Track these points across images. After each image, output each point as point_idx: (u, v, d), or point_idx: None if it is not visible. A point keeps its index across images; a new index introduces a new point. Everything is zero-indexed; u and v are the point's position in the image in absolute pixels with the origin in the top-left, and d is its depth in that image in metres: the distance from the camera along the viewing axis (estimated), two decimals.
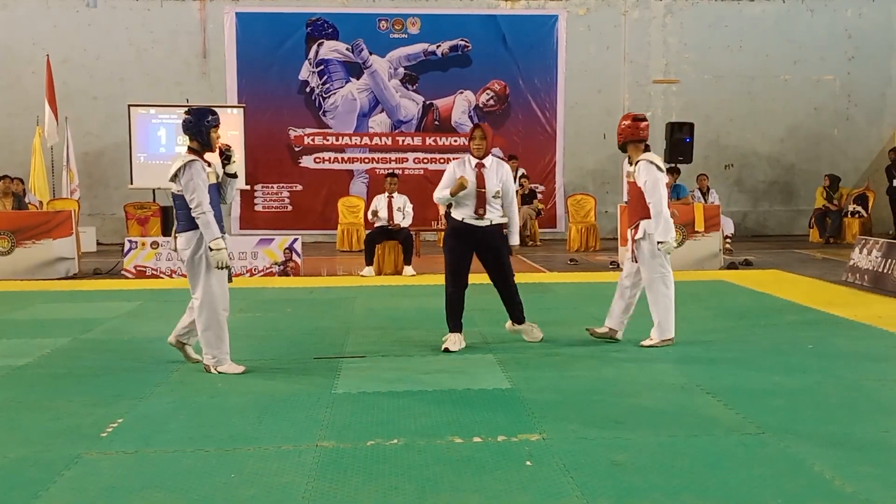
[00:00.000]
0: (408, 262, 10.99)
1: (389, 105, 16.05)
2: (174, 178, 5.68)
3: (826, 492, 3.65)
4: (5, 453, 4.20)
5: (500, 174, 6.39)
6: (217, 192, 5.85)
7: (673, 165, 13.50)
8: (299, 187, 15.98)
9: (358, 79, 15.97)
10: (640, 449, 4.17)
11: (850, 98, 16.76)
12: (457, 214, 6.40)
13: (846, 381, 5.48)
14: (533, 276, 10.91)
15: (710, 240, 11.47)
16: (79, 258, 11.60)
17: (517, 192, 14.82)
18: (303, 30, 15.83)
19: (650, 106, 16.40)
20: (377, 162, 16.08)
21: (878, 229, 15.25)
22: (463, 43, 15.99)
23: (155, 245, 10.91)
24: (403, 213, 11.13)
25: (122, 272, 10.98)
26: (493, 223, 6.37)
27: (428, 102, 16.08)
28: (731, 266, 11.48)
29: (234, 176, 5.98)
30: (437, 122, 16.04)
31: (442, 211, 6.58)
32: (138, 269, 10.89)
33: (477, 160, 6.38)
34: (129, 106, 14.52)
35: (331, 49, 15.88)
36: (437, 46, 15.96)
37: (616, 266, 11.04)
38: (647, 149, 6.61)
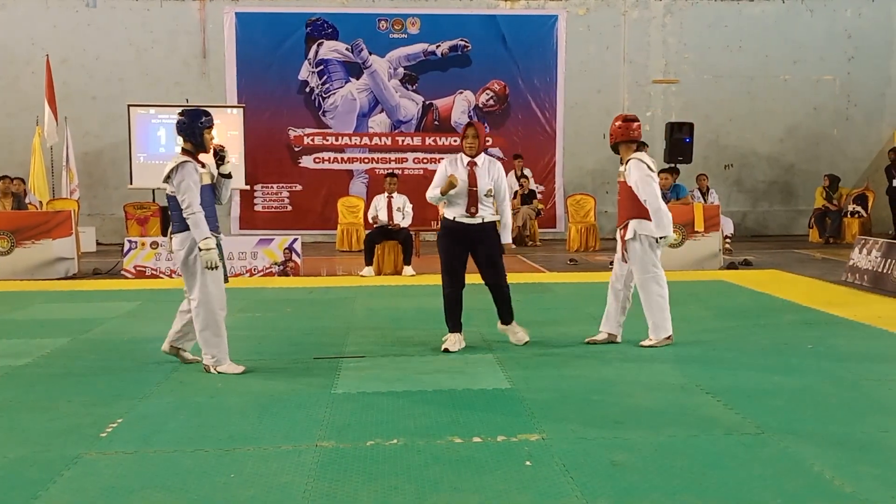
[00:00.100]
0: (407, 262, 10.99)
1: (389, 105, 16.05)
2: (167, 179, 5.70)
3: (826, 492, 3.65)
4: (5, 453, 4.20)
5: (492, 172, 6.37)
6: (212, 193, 5.85)
7: (672, 165, 13.51)
8: (299, 187, 15.98)
9: (357, 79, 15.97)
10: (639, 449, 4.17)
11: (849, 98, 16.77)
12: (449, 213, 6.40)
13: (846, 381, 5.49)
14: (533, 276, 10.91)
15: (709, 240, 11.47)
16: (78, 258, 11.61)
17: (517, 192, 14.92)
18: (302, 30, 15.83)
19: (650, 106, 16.41)
20: (377, 162, 16.08)
21: (878, 229, 15.25)
22: (462, 43, 15.99)
23: (154, 245, 10.91)
24: (403, 213, 11.13)
25: (122, 272, 10.98)
26: (486, 221, 6.34)
27: (428, 102, 16.09)
28: (731, 266, 11.48)
29: (229, 176, 5.97)
30: (436, 122, 16.04)
31: (441, 211, 6.58)
32: (138, 269, 10.89)
33: (469, 158, 6.37)
34: (129, 106, 14.53)
35: (330, 49, 15.88)
36: (437, 46, 15.96)
37: None
38: (639, 148, 6.61)
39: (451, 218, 6.37)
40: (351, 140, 16.06)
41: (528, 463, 3.99)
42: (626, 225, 6.45)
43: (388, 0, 15.99)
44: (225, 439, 4.38)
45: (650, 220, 6.33)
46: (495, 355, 6.24)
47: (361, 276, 10.83)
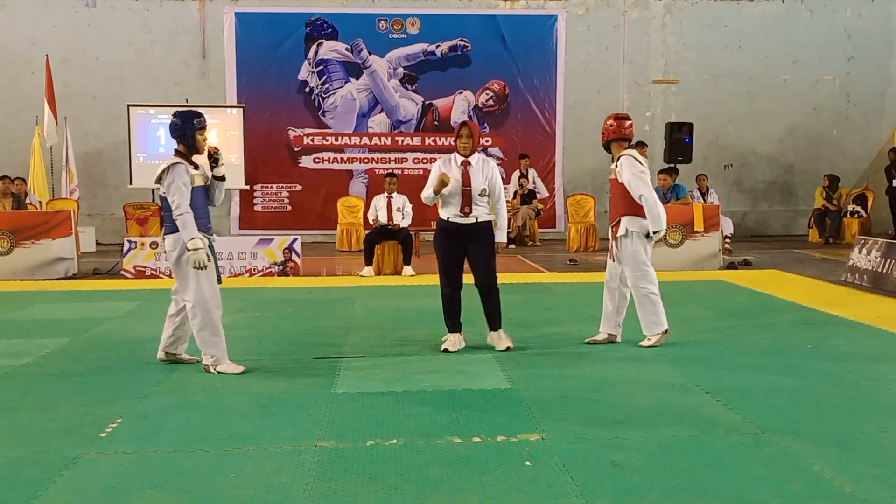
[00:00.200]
0: (407, 262, 10.99)
1: (389, 105, 16.05)
2: (159, 180, 5.73)
3: (825, 492, 3.65)
4: (4, 453, 4.20)
5: (486, 172, 6.33)
6: (204, 194, 5.86)
7: (672, 165, 13.51)
8: (299, 187, 15.98)
9: (357, 79, 15.97)
10: (639, 449, 4.17)
11: (849, 98, 16.77)
12: (444, 213, 6.38)
13: (846, 381, 5.49)
14: (532, 276, 10.91)
15: (709, 240, 11.47)
16: (78, 258, 11.60)
17: (517, 192, 14.93)
18: (302, 30, 15.83)
19: (649, 106, 16.42)
20: (376, 162, 16.08)
21: (878, 229, 15.25)
22: (462, 43, 15.99)
23: (154, 245, 10.91)
24: (403, 213, 11.13)
25: (122, 272, 10.98)
26: (480, 221, 6.31)
27: (427, 102, 16.09)
28: (731, 266, 11.48)
29: (222, 179, 5.98)
30: (436, 122, 16.04)
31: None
32: (137, 269, 10.89)
33: (463, 158, 6.36)
34: (129, 106, 14.52)
35: (330, 49, 15.88)
36: (437, 46, 15.96)
37: None
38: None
39: (446, 218, 6.36)
40: (350, 140, 16.06)
41: (527, 463, 3.99)
42: (619, 222, 6.46)
43: (387, 0, 15.99)
44: (225, 439, 4.38)
45: (642, 216, 6.34)
46: (495, 355, 6.24)
47: (361, 276, 10.83)
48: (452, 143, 6.48)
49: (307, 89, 15.93)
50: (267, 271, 11.02)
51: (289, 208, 15.99)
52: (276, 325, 7.62)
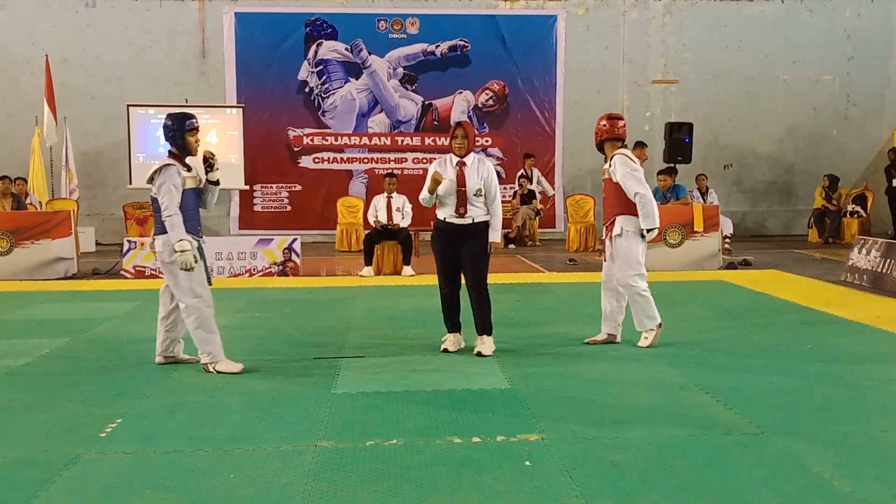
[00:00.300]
0: (407, 262, 10.99)
1: (388, 105, 16.05)
2: (150, 180, 5.75)
3: (825, 492, 3.65)
4: (4, 454, 4.20)
5: (481, 172, 6.30)
6: (196, 196, 5.87)
7: (671, 165, 13.51)
8: (298, 187, 15.98)
9: (357, 79, 15.97)
10: (638, 449, 4.17)
11: (848, 98, 16.77)
12: (440, 214, 6.38)
13: (845, 381, 5.49)
14: (532, 276, 10.91)
15: (709, 240, 11.48)
16: (78, 258, 11.60)
17: (516, 192, 14.93)
18: (302, 30, 15.83)
19: (649, 106, 16.42)
20: (376, 162, 16.08)
21: (877, 229, 15.25)
22: (462, 43, 15.99)
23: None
24: (402, 213, 11.14)
25: (121, 272, 10.98)
26: (476, 221, 6.29)
27: (427, 102, 16.09)
28: (730, 266, 11.48)
29: (216, 183, 5.99)
30: (436, 122, 16.05)
31: None
32: (137, 269, 10.89)
33: (458, 159, 6.35)
34: (128, 106, 14.52)
35: (330, 49, 15.88)
36: (437, 46, 15.96)
37: None
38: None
39: (442, 218, 6.36)
40: (350, 140, 16.06)
41: (527, 463, 3.99)
42: (613, 221, 6.46)
43: (387, 0, 15.99)
44: (224, 439, 4.38)
45: (636, 215, 6.34)
46: (494, 355, 6.24)
47: (361, 276, 10.83)
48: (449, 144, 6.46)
49: (307, 89, 15.94)
50: (267, 271, 11.02)
51: (288, 208, 15.99)
52: (276, 325, 7.62)
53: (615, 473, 3.85)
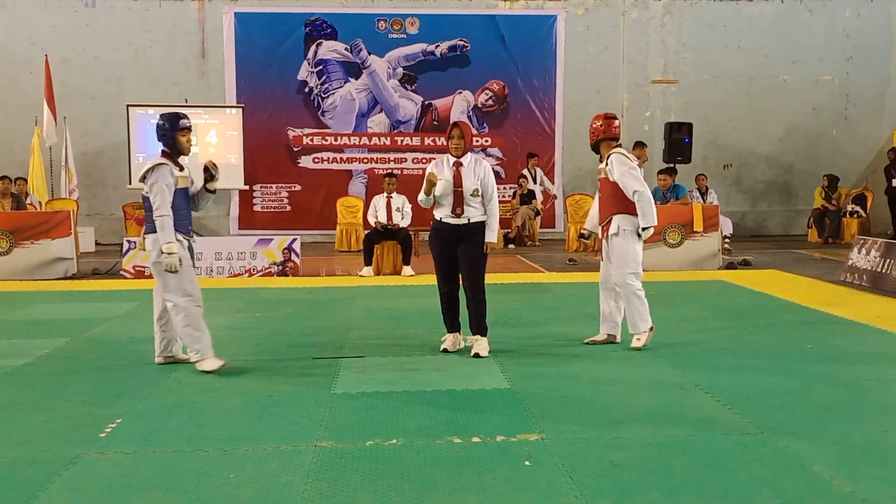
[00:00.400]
0: (406, 262, 11.00)
1: (388, 105, 16.05)
2: (143, 179, 5.76)
3: (825, 492, 3.65)
4: (4, 454, 4.19)
5: (478, 172, 6.28)
6: (187, 196, 5.88)
7: (671, 165, 13.51)
8: (298, 187, 15.98)
9: (357, 79, 15.97)
10: (638, 449, 4.17)
11: (848, 98, 16.77)
12: (437, 214, 6.37)
13: (845, 381, 5.49)
14: (532, 276, 10.91)
15: (708, 240, 11.48)
16: (77, 258, 11.59)
17: (516, 191, 14.92)
18: (301, 30, 15.83)
19: (649, 106, 16.42)
20: (376, 162, 16.08)
21: (877, 229, 15.26)
22: (462, 43, 15.99)
23: None
24: (402, 213, 11.14)
25: (121, 272, 10.98)
26: (472, 221, 6.27)
27: (427, 102, 16.09)
28: (730, 266, 11.48)
29: (213, 192, 6.01)
30: (435, 123, 16.05)
31: None
32: (137, 269, 10.88)
33: (455, 159, 6.34)
34: (128, 106, 14.52)
35: (329, 49, 15.88)
36: (436, 46, 15.96)
37: None
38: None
39: (439, 218, 6.36)
40: (350, 140, 16.06)
41: (527, 463, 3.99)
42: (610, 221, 6.45)
43: (387, 0, 15.99)
44: (224, 439, 4.38)
45: (633, 214, 6.33)
46: (494, 355, 6.24)
47: (360, 276, 10.83)
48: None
49: (307, 89, 15.93)
50: (266, 271, 11.02)
51: (288, 208, 15.99)
52: (276, 325, 7.62)
53: (615, 473, 3.85)
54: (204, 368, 5.76)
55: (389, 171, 14.78)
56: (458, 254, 6.30)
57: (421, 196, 6.34)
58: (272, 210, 15.97)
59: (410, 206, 11.19)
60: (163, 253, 5.62)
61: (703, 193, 13.48)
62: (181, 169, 5.84)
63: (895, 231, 15.12)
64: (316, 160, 16.02)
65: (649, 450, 4.16)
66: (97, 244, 14.47)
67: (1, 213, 11.42)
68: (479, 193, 6.25)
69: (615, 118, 6.60)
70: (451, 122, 6.47)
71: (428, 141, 16.05)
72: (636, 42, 16.34)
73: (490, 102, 16.16)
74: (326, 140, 16.00)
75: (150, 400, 5.15)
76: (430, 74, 16.03)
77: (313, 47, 15.84)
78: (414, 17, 15.92)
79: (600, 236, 6.62)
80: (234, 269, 10.97)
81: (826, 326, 7.38)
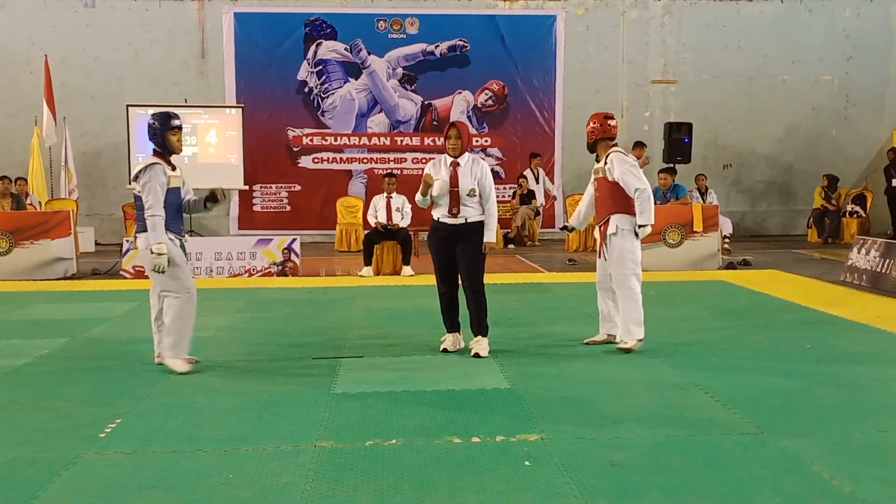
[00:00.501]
0: (406, 262, 11.00)
1: (388, 105, 16.05)
2: (135, 178, 5.78)
3: (825, 492, 3.65)
4: (3, 454, 4.20)
5: (475, 172, 6.26)
6: (179, 196, 5.89)
7: (671, 165, 13.52)
8: (298, 187, 15.98)
9: (356, 79, 15.97)
10: (638, 449, 4.17)
11: (848, 98, 16.78)
12: (435, 214, 6.37)
13: (844, 381, 5.49)
14: (531, 276, 10.92)
15: (708, 240, 11.48)
16: (77, 258, 11.59)
17: (516, 191, 14.92)
18: (301, 30, 15.83)
19: (648, 106, 16.42)
20: (376, 162, 16.08)
21: (876, 229, 15.26)
22: (461, 43, 15.99)
23: None
24: (402, 213, 11.14)
25: (121, 272, 10.98)
26: (470, 221, 6.25)
27: (426, 102, 16.09)
28: (730, 266, 11.49)
29: (207, 210, 6.05)
30: (435, 123, 16.04)
31: None
32: (137, 269, 10.87)
33: (452, 159, 6.34)
34: (128, 106, 14.51)
35: (329, 49, 15.88)
36: (436, 46, 15.96)
37: None
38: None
39: (436, 218, 6.36)
40: (350, 140, 16.06)
41: (526, 463, 3.99)
42: (607, 221, 6.44)
43: (386, 0, 15.99)
44: (224, 439, 4.38)
45: (631, 214, 6.32)
46: (494, 355, 6.24)
47: (360, 276, 10.83)
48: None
49: (306, 89, 15.93)
50: (266, 271, 11.02)
51: (288, 208, 15.99)
52: (276, 325, 7.62)
53: (615, 473, 3.85)
54: (173, 367, 5.77)
55: (389, 171, 14.78)
56: (457, 254, 6.29)
57: (418, 196, 6.35)
58: (272, 210, 15.97)
59: (410, 206, 11.19)
60: (153, 253, 5.62)
61: (703, 193, 13.49)
62: (173, 168, 5.85)
63: (895, 231, 15.12)
64: (316, 160, 16.02)
65: (649, 450, 4.16)
66: (97, 244, 14.47)
67: (1, 214, 11.42)
68: (476, 193, 6.24)
69: (612, 117, 6.58)
70: (449, 122, 6.45)
71: (428, 141, 16.05)
72: (636, 42, 16.34)
73: (490, 102, 16.16)
74: (326, 140, 16.01)
75: (150, 400, 5.15)
76: (430, 74, 16.03)
77: (313, 47, 15.84)
78: (414, 17, 15.92)
79: (599, 237, 6.58)
80: (234, 270, 10.97)
81: (826, 326, 7.38)
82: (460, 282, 6.40)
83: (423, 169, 6.43)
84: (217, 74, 15.72)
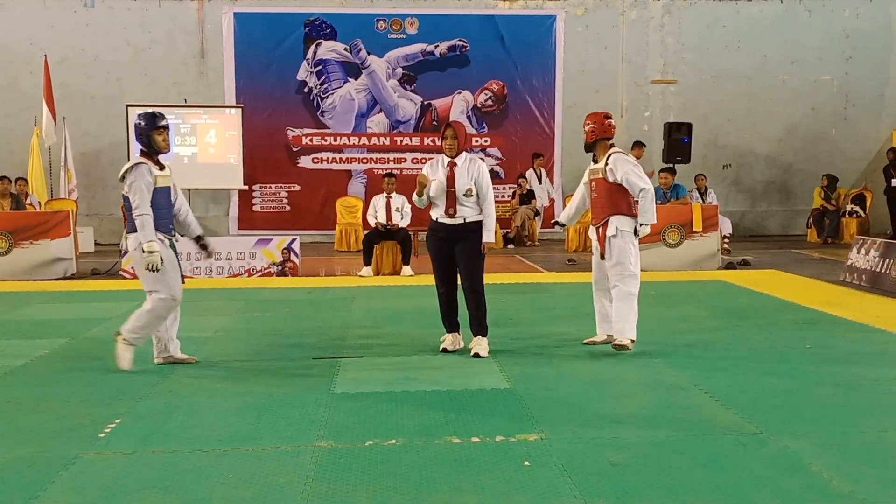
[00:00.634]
0: (406, 262, 11.00)
1: (387, 105, 16.05)
2: (122, 179, 5.77)
3: (824, 492, 3.65)
4: (3, 454, 4.19)
5: (472, 172, 6.24)
6: (167, 196, 5.88)
7: (670, 165, 13.52)
8: (297, 187, 15.98)
9: (356, 79, 15.97)
10: (637, 449, 4.17)
11: (847, 98, 16.78)
12: (433, 214, 6.37)
13: (844, 381, 5.48)
14: (531, 276, 10.92)
15: (708, 240, 11.48)
16: (77, 258, 11.59)
17: (515, 192, 14.92)
18: (301, 30, 15.83)
19: (648, 106, 16.42)
20: (375, 162, 16.08)
21: (876, 229, 15.26)
22: (461, 43, 15.99)
23: None
24: (401, 213, 11.14)
25: (120, 272, 10.97)
26: (467, 221, 6.24)
27: (426, 102, 16.09)
28: (729, 266, 11.49)
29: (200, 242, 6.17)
30: (435, 123, 16.04)
31: None
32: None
33: (449, 159, 6.33)
34: (127, 106, 14.50)
35: (329, 49, 15.88)
36: (436, 46, 15.96)
37: None
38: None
39: (434, 219, 6.36)
40: (349, 140, 16.06)
41: (526, 463, 3.99)
42: (606, 222, 6.41)
43: (386, 0, 15.99)
44: (223, 439, 4.38)
45: (630, 215, 6.31)
46: (493, 355, 6.23)
47: (360, 276, 10.83)
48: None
49: (306, 89, 15.93)
50: (266, 271, 11.02)
51: (287, 208, 15.99)
52: (275, 325, 7.62)
53: (614, 473, 3.85)
54: (119, 357, 5.77)
55: (389, 171, 14.78)
56: (456, 254, 6.29)
57: (414, 197, 6.35)
58: (271, 210, 15.97)
59: (410, 206, 11.18)
60: (144, 252, 5.62)
61: (703, 193, 13.49)
62: (161, 168, 5.84)
63: (894, 231, 15.12)
64: (315, 160, 16.02)
65: (649, 450, 4.16)
66: (96, 244, 14.48)
67: (0, 214, 11.42)
68: (473, 193, 6.22)
69: (610, 117, 6.56)
70: (445, 122, 6.44)
71: (427, 141, 16.05)
72: (635, 42, 16.34)
73: (489, 102, 16.16)
74: (326, 140, 16.01)
75: (150, 400, 5.15)
76: (430, 74, 16.03)
77: (312, 47, 15.84)
78: (413, 17, 15.92)
79: (596, 238, 6.56)
80: (234, 270, 10.96)
81: (825, 326, 7.38)
82: (460, 282, 6.40)
83: (422, 169, 6.43)
84: (217, 74, 15.72)
